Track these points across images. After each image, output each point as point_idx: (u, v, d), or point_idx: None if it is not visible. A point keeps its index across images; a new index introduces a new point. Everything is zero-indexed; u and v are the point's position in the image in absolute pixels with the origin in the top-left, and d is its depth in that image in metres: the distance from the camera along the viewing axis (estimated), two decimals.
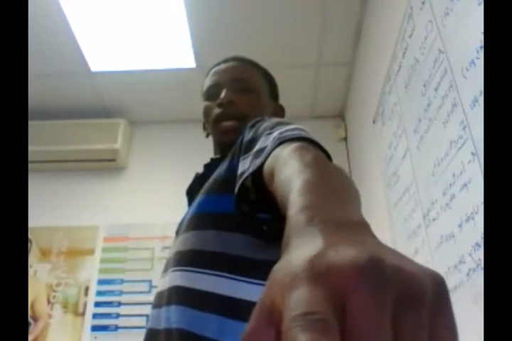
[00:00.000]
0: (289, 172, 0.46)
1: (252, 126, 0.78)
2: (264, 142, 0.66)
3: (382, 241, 0.28)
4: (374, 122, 1.97)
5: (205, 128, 1.02)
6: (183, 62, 2.44)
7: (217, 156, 0.93)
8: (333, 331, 0.21)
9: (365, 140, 2.26)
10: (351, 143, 2.67)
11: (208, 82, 0.98)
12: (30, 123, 2.51)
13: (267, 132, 0.69)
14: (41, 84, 2.54)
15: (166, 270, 0.81)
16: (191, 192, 0.94)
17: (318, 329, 0.20)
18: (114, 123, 2.73)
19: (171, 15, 2.18)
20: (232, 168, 0.75)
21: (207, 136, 1.02)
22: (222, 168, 0.81)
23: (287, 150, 0.54)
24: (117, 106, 2.78)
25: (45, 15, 2.14)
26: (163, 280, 0.79)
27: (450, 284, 1.15)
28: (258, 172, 0.61)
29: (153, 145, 2.85)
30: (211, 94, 0.94)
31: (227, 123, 0.89)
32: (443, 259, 1.20)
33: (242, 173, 0.66)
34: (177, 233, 0.87)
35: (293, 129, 0.64)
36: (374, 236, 0.29)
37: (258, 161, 0.62)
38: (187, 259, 0.74)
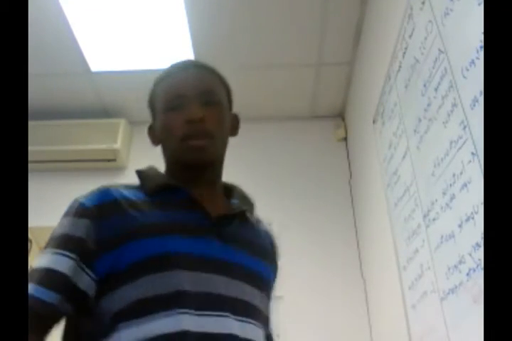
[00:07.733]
0: None
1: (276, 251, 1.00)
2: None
3: None
4: (374, 122, 1.97)
5: (153, 135, 0.98)
6: None
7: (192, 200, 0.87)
8: None
9: (365, 140, 2.26)
10: (351, 143, 2.67)
11: (168, 89, 0.95)
12: (30, 123, 2.50)
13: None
14: (41, 84, 2.53)
15: (213, 307, 0.76)
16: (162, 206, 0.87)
17: None
18: (114, 123, 2.73)
19: (171, 16, 2.18)
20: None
21: (156, 144, 0.98)
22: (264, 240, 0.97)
23: None
24: (117, 106, 2.78)
25: (45, 15, 2.14)
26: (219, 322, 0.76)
27: (450, 284, 1.15)
28: None
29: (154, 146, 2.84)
30: (175, 105, 0.91)
31: (199, 142, 0.87)
32: (443, 259, 1.20)
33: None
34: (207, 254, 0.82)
35: None
36: None
37: None
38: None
